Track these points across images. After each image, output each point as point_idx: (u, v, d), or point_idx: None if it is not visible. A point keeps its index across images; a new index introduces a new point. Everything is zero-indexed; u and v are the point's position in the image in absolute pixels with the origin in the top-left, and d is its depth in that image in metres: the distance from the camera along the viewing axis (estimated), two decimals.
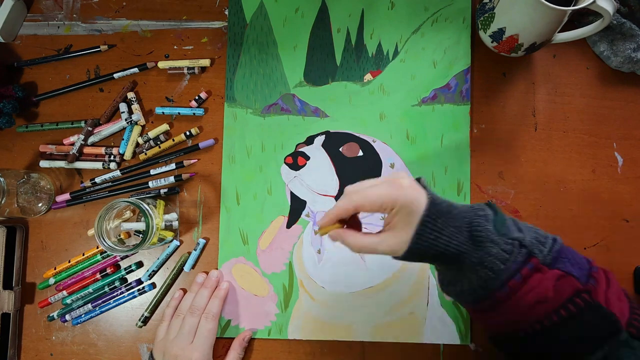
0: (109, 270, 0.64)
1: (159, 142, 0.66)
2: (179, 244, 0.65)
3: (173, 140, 0.65)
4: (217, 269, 0.64)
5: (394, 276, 0.63)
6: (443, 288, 0.47)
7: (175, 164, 0.65)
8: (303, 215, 0.64)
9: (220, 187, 0.65)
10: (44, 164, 0.66)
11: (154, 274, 0.64)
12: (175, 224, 0.64)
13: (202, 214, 0.65)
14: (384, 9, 0.67)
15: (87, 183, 0.66)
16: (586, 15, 0.64)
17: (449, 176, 0.64)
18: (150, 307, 0.64)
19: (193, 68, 0.66)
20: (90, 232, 0.65)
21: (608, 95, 0.66)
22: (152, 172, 0.65)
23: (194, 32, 0.68)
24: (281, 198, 0.65)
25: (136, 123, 0.66)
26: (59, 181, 0.67)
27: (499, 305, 0.42)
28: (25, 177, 0.64)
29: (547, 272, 0.41)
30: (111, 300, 0.64)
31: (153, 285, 0.65)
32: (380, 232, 0.44)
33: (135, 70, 0.67)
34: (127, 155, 0.65)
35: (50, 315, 0.64)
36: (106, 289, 0.64)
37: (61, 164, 0.66)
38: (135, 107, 0.66)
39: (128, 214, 0.64)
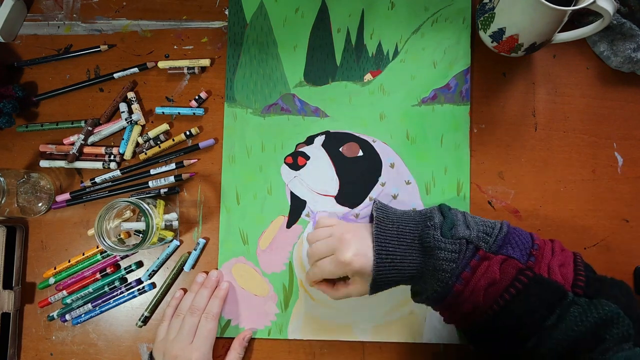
0: (109, 270, 0.64)
1: (159, 142, 0.66)
2: (179, 243, 0.65)
3: (173, 140, 0.65)
4: (217, 268, 0.64)
5: None
6: (414, 299, 0.54)
7: (175, 164, 0.65)
8: (303, 215, 0.64)
9: (220, 187, 0.65)
10: (44, 163, 0.66)
11: (154, 274, 0.64)
12: (175, 223, 0.64)
13: (202, 213, 0.65)
14: (384, 9, 0.67)
15: (87, 183, 0.66)
16: (586, 15, 0.64)
17: (448, 176, 0.64)
18: (150, 307, 0.64)
19: (193, 68, 0.66)
20: (90, 231, 0.65)
21: (608, 95, 0.66)
22: (152, 172, 0.65)
23: (194, 32, 0.68)
24: (281, 198, 0.65)
25: (136, 123, 0.66)
26: (59, 181, 0.67)
27: (459, 296, 0.48)
28: (25, 176, 0.64)
29: (493, 259, 0.48)
30: (111, 300, 0.64)
31: (153, 285, 0.65)
32: (348, 283, 0.54)
33: (135, 70, 0.67)
34: (127, 155, 0.65)
35: (50, 315, 0.64)
36: (106, 288, 0.64)
37: (61, 163, 0.66)
38: (135, 107, 0.66)
39: (128, 213, 0.64)
